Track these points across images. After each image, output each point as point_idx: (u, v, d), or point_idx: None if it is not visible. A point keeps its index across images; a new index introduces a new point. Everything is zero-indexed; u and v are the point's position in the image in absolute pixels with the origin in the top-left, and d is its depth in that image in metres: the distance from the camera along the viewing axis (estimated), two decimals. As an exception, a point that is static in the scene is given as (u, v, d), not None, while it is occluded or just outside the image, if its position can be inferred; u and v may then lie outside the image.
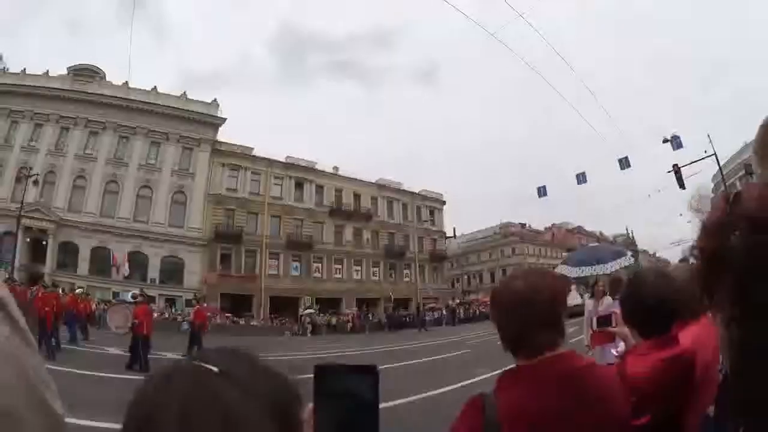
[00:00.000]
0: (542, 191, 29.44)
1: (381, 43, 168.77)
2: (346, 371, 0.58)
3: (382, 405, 0.57)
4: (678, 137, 23.77)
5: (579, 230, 76.16)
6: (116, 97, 39.63)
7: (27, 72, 38.43)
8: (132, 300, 16.37)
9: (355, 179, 50.47)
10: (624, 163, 25.61)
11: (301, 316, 38.80)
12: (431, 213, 57.05)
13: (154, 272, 38.18)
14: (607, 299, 6.67)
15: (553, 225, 78.09)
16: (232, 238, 41.36)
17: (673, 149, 23.86)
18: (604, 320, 2.37)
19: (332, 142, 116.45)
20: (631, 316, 1.84)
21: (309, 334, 34.95)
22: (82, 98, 38.61)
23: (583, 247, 17.31)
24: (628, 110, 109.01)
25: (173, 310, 34.51)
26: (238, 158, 43.84)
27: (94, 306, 25.73)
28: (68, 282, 26.66)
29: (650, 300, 1.72)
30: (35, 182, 31.81)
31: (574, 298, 13.39)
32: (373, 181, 52.17)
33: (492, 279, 62.77)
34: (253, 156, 44.66)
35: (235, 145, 44.01)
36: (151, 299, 26.73)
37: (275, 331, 34.13)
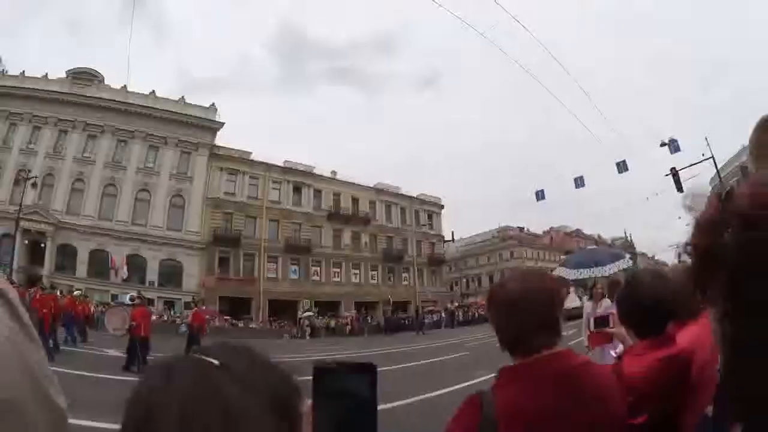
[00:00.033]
0: (540, 195, 29.43)
1: (381, 48, 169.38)
2: (345, 370, 0.57)
3: (380, 407, 0.57)
4: (676, 141, 23.83)
5: (577, 233, 76.25)
6: (115, 100, 39.61)
7: (26, 74, 38.48)
8: (130, 302, 16.37)
9: (354, 183, 50.50)
10: (622, 166, 25.64)
11: (300, 319, 38.72)
12: (429, 217, 57.12)
13: (152, 275, 38.08)
14: (606, 301, 6.67)
15: (552, 228, 78.19)
16: (231, 242, 41.33)
17: (671, 153, 23.91)
18: (602, 321, 2.38)
19: (330, 146, 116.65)
20: (627, 317, 1.85)
21: (308, 337, 34.88)
22: (81, 101, 38.59)
23: (582, 250, 17.30)
24: (627, 111, 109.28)
25: (172, 312, 34.43)
26: (236, 162, 43.82)
27: (92, 308, 25.70)
28: (67, 284, 26.61)
29: (647, 301, 1.73)
30: (34, 185, 31.83)
31: (572, 301, 13.39)
32: (372, 185, 52.15)
33: (491, 282, 62.71)
34: (251, 160, 44.67)
35: (233, 149, 44.00)
36: (150, 302, 26.72)
37: (274, 333, 34.06)
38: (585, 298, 8.91)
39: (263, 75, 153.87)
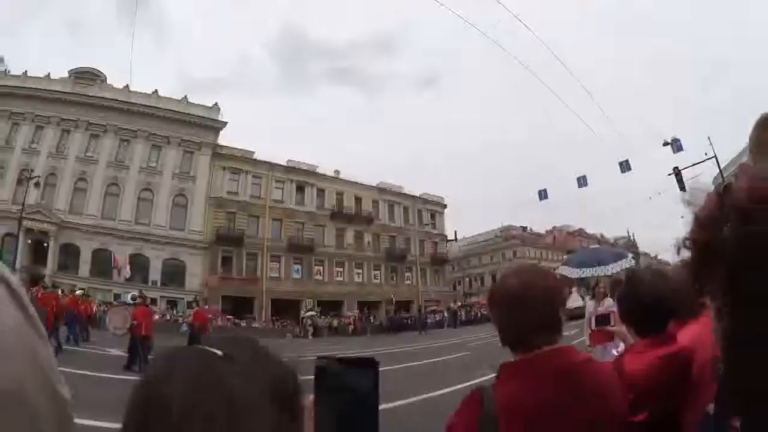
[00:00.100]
0: (543, 194, 29.43)
1: (382, 48, 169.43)
2: (347, 365, 0.58)
3: (381, 406, 0.57)
4: (678, 140, 23.77)
5: (580, 233, 76.06)
6: (117, 100, 39.73)
7: (28, 74, 38.58)
8: (131, 302, 16.42)
9: (356, 183, 50.53)
10: (624, 166, 25.62)
11: (303, 318, 38.79)
12: (432, 216, 57.05)
13: (155, 274, 38.17)
14: (608, 301, 6.65)
15: (554, 228, 78.08)
16: (234, 241, 41.39)
17: (674, 152, 23.87)
18: (603, 319, 2.38)
19: (333, 146, 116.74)
20: (628, 315, 1.84)
21: (310, 337, 34.99)
22: (83, 101, 38.69)
23: (585, 249, 17.28)
24: (629, 111, 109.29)
25: (174, 312, 34.51)
26: (239, 162, 43.88)
27: (95, 307, 25.75)
28: (69, 284, 26.67)
29: (647, 299, 1.72)
30: (36, 184, 31.89)
31: (575, 300, 13.40)
32: (374, 184, 52.17)
33: (493, 282, 62.66)
34: (254, 160, 44.72)
35: (236, 148, 44.07)
36: (153, 301, 26.76)
37: (277, 333, 34.05)
38: (587, 297, 8.90)
39: (264, 75, 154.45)
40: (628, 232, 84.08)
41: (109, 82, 41.08)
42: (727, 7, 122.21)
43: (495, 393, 1.30)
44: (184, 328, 23.15)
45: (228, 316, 36.22)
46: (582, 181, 27.47)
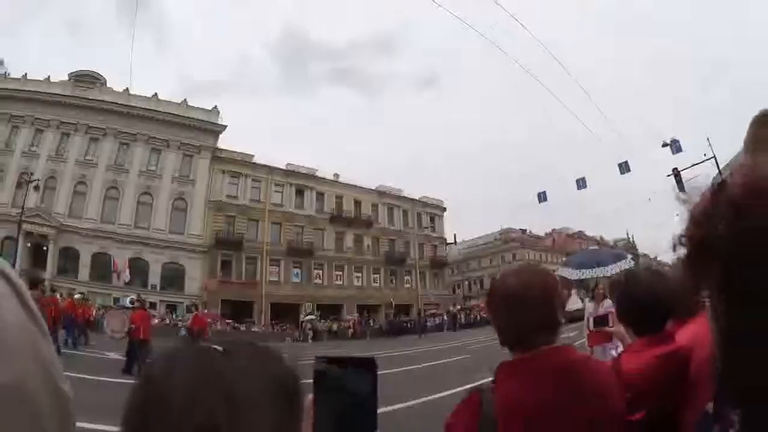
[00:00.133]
0: (542, 197, 29.38)
1: (382, 49, 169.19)
2: (346, 365, 0.58)
3: (380, 410, 0.56)
4: (677, 141, 23.79)
5: (579, 235, 76.09)
6: (117, 103, 39.73)
7: (28, 77, 38.64)
8: (130, 305, 16.43)
9: (356, 186, 50.53)
10: (624, 167, 25.61)
11: (302, 322, 38.77)
12: (432, 219, 57.08)
13: (154, 278, 38.12)
14: (607, 302, 6.64)
15: (554, 230, 78.11)
16: (233, 245, 41.35)
17: (673, 153, 23.87)
18: (601, 320, 2.38)
19: (332, 149, 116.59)
20: (626, 315, 1.84)
21: (310, 340, 34.96)
22: (83, 104, 38.73)
23: (584, 251, 17.29)
24: (628, 112, 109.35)
25: (174, 316, 34.46)
26: (239, 165, 43.91)
27: (94, 311, 25.70)
28: (69, 288, 26.65)
29: (645, 298, 1.72)
30: (36, 187, 31.82)
31: (574, 303, 13.36)
32: (374, 188, 52.14)
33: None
34: (254, 163, 44.76)
35: (236, 152, 44.07)
36: (152, 305, 26.75)
37: (276, 337, 33.98)
38: (587, 299, 8.90)
39: (264, 77, 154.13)
40: (627, 234, 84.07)
41: (108, 85, 41.21)
42: (727, 7, 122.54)
43: (494, 393, 1.29)
44: (183, 332, 23.11)
45: (227, 320, 36.09)
46: (581, 183, 27.48)
